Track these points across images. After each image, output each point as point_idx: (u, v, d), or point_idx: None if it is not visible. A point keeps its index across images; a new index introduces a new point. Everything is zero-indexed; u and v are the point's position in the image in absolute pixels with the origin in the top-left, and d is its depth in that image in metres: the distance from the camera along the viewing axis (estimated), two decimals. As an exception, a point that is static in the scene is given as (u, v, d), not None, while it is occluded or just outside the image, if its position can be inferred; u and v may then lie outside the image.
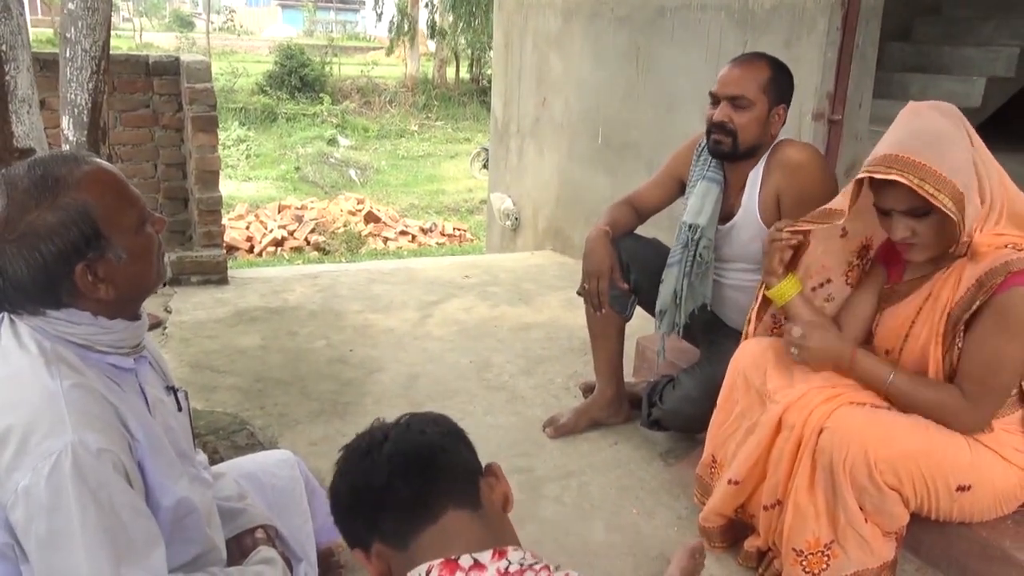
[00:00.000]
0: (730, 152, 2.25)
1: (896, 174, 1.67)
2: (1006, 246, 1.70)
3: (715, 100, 2.25)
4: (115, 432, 1.18)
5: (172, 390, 1.44)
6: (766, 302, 2.10)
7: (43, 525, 1.10)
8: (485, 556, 0.93)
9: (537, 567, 0.94)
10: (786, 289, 2.00)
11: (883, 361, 1.88)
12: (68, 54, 1.96)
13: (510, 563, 0.93)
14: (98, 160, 1.25)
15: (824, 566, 1.79)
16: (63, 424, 1.12)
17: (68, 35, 1.95)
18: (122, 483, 1.15)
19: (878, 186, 1.75)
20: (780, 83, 2.22)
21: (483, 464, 1.12)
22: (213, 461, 1.82)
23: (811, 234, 2.01)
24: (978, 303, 1.69)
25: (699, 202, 2.34)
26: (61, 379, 1.16)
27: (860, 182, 1.82)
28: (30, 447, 1.11)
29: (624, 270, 2.51)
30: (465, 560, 0.92)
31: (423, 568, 0.93)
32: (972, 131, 1.77)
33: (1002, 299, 1.67)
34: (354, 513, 1.05)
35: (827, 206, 1.93)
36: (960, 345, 1.75)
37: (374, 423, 1.12)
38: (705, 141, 2.35)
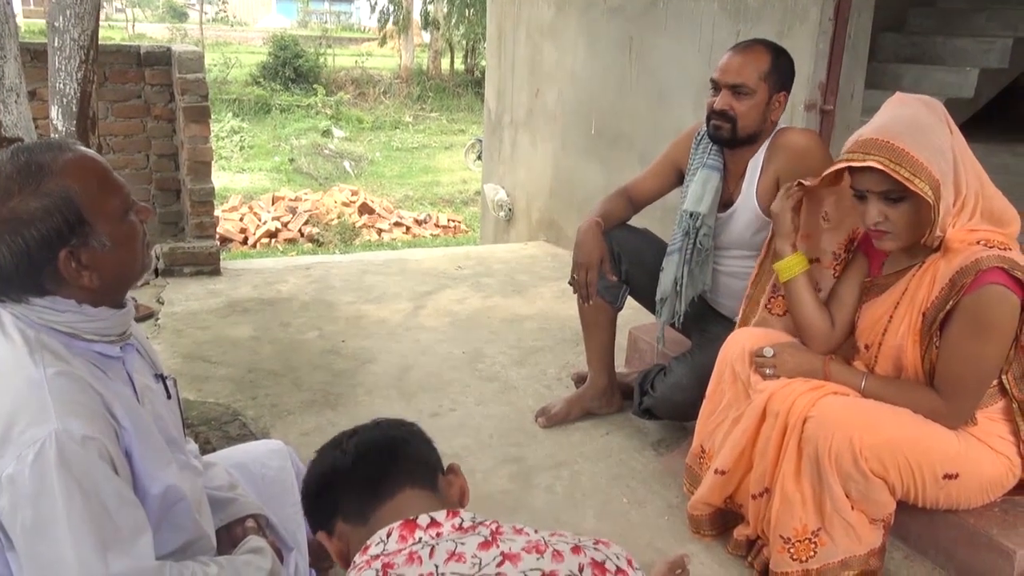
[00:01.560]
0: (729, 138, 2.26)
1: (873, 160, 1.68)
2: (978, 242, 1.69)
3: (715, 87, 2.26)
4: (100, 420, 1.17)
5: (161, 378, 1.44)
6: (761, 276, 2.10)
7: (28, 513, 1.10)
8: (440, 515, 1.01)
9: (488, 522, 1.02)
10: (793, 265, 2.00)
11: (854, 370, 1.90)
12: (56, 43, 1.95)
13: (463, 520, 1.01)
14: (82, 148, 1.25)
15: (811, 553, 1.80)
16: (47, 412, 1.11)
17: (56, 24, 1.94)
18: (107, 470, 1.15)
19: (856, 169, 1.75)
20: (781, 70, 2.24)
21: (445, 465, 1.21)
22: (205, 451, 1.83)
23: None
24: (951, 303, 1.69)
25: (699, 189, 2.34)
26: (44, 367, 1.16)
27: (838, 175, 1.83)
28: (13, 435, 1.10)
29: (615, 261, 2.51)
30: (423, 519, 1.00)
31: (383, 532, 0.99)
32: (953, 125, 1.77)
33: (972, 299, 1.66)
34: (321, 497, 1.13)
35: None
36: (938, 344, 1.75)
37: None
38: (704, 129, 2.36)
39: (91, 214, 1.19)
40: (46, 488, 1.09)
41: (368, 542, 1.00)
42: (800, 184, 2.01)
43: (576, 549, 0.97)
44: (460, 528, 0.98)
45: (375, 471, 1.10)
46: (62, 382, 1.16)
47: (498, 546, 0.96)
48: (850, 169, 1.77)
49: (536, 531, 1.01)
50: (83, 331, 1.24)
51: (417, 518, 0.99)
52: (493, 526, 1.00)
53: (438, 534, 0.98)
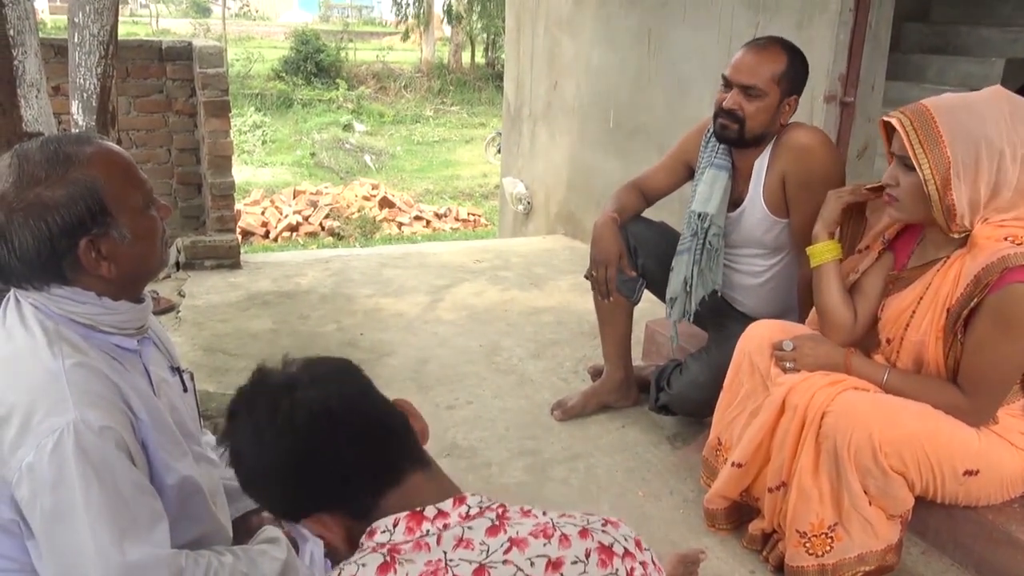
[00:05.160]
0: (736, 139, 2.22)
1: (897, 118, 1.67)
2: (1005, 239, 1.65)
3: (727, 84, 2.21)
4: (117, 411, 1.19)
5: (177, 371, 1.46)
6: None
7: (47, 501, 1.11)
8: (447, 504, 0.97)
9: (494, 506, 0.99)
10: (825, 251, 1.97)
11: (876, 364, 1.88)
12: (76, 39, 1.98)
13: (470, 507, 0.98)
14: (109, 142, 1.28)
15: (828, 548, 1.79)
16: (65, 402, 1.13)
17: (76, 20, 1.97)
18: (124, 460, 1.17)
19: (894, 131, 1.74)
20: (795, 74, 2.18)
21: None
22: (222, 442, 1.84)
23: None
24: (975, 301, 1.66)
25: (707, 190, 2.32)
26: (63, 358, 1.18)
27: (887, 131, 1.80)
28: (32, 425, 1.12)
29: (632, 255, 2.50)
30: (430, 511, 0.96)
31: (389, 520, 0.96)
32: None
33: (998, 297, 1.63)
34: (316, 488, 0.99)
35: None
36: (962, 341, 1.72)
37: (261, 380, 1.03)
38: (713, 125, 2.33)
39: (114, 205, 1.22)
40: (64, 477, 1.11)
41: (374, 526, 0.96)
42: (872, 189, 1.94)
43: (584, 533, 0.96)
44: (467, 516, 0.96)
45: (384, 458, 0.98)
46: (80, 373, 1.18)
47: (505, 531, 0.95)
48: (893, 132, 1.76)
49: (544, 512, 0.99)
50: (102, 323, 1.26)
51: (424, 510, 0.96)
52: (499, 510, 0.98)
53: (445, 525, 0.95)
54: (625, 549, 0.96)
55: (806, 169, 2.17)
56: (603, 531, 0.97)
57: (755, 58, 2.17)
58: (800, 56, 2.21)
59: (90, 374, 1.19)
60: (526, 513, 0.99)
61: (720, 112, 2.21)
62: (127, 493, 1.16)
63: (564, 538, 0.94)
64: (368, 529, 0.96)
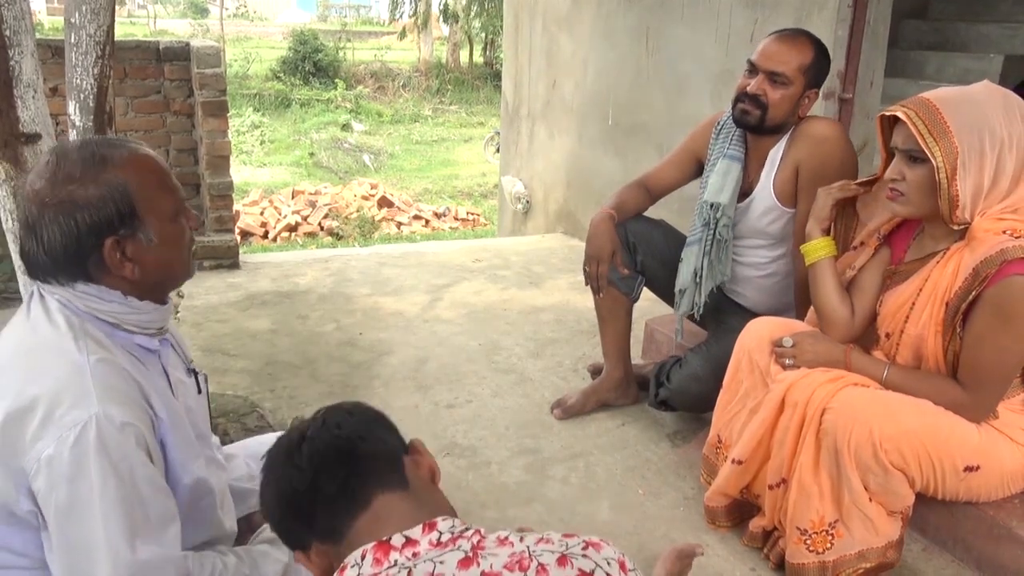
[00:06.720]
0: (755, 125, 2.22)
1: (901, 110, 1.67)
2: (1004, 232, 1.65)
3: (752, 69, 2.22)
4: (139, 408, 1.21)
5: (193, 372, 1.46)
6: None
7: (63, 494, 1.12)
8: (416, 531, 0.95)
9: (468, 533, 0.96)
10: (819, 247, 1.98)
11: (876, 360, 1.87)
12: (73, 39, 1.96)
13: (440, 533, 0.95)
14: (147, 149, 1.31)
15: (828, 545, 1.79)
16: (89, 396, 1.15)
17: (72, 20, 1.95)
18: (143, 458, 1.18)
19: (894, 125, 1.74)
20: (819, 67, 2.20)
21: (407, 442, 1.12)
22: (224, 443, 1.86)
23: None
24: (974, 294, 1.66)
25: (720, 180, 2.32)
26: (88, 353, 1.19)
27: (883, 128, 1.81)
28: (55, 417, 1.13)
29: (631, 252, 2.50)
30: (397, 539, 0.93)
31: (357, 554, 0.94)
32: None
33: (997, 290, 1.63)
34: (288, 519, 1.04)
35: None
36: (961, 335, 1.72)
37: (293, 423, 1.13)
38: (725, 118, 2.33)
39: (143, 209, 1.24)
40: (83, 470, 1.12)
41: (345, 561, 0.94)
42: (861, 184, 1.95)
43: (562, 560, 0.91)
44: (438, 543, 0.93)
45: (339, 483, 0.99)
46: (104, 369, 1.19)
47: (478, 564, 0.90)
48: (893, 128, 1.76)
49: (522, 539, 0.95)
50: (125, 322, 1.27)
51: (391, 539, 0.93)
52: (475, 538, 0.94)
53: (415, 553, 0.92)
54: (607, 574, 0.92)
55: (821, 160, 2.17)
56: (583, 556, 0.93)
57: (784, 46, 2.18)
58: (825, 52, 2.22)
59: (114, 370, 1.20)
60: (502, 541, 0.95)
61: (743, 96, 2.22)
62: (144, 491, 1.17)
63: (541, 569, 0.90)
64: (340, 565, 0.95)
